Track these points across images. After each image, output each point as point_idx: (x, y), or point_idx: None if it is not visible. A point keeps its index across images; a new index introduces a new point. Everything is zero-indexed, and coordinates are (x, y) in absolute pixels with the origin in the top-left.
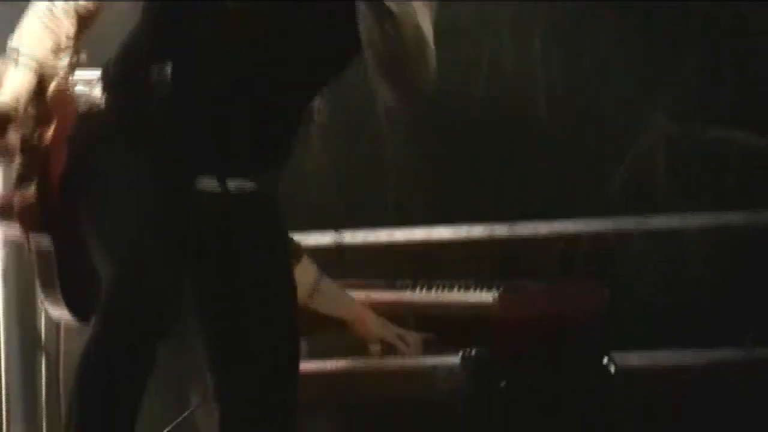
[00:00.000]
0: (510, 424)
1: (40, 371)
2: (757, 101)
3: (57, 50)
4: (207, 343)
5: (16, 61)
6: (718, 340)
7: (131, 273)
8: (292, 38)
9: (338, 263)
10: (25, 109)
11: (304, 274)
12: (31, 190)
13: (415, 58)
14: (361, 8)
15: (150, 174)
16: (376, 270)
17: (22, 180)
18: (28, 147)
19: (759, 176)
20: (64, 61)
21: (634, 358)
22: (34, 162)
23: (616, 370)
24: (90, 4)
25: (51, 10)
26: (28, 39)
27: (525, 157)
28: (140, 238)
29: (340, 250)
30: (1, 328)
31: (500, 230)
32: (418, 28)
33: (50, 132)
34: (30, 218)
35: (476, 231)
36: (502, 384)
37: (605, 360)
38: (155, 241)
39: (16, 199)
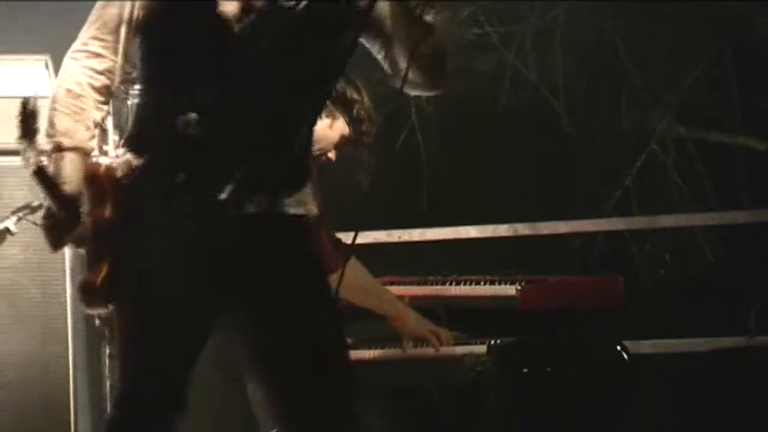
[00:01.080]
0: (531, 408)
1: (105, 363)
2: (759, 108)
3: (89, 132)
4: (269, 393)
5: (62, 150)
6: (723, 328)
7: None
8: (299, 63)
9: (378, 260)
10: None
11: (352, 273)
12: (104, 269)
13: (448, 51)
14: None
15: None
16: (411, 266)
17: (94, 262)
18: (94, 229)
19: (760, 177)
20: (95, 140)
21: (647, 346)
22: (101, 242)
23: (629, 357)
24: (106, 80)
25: (78, 97)
26: (66, 126)
27: (546, 163)
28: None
29: (380, 248)
30: (70, 324)
31: (523, 230)
32: (448, 25)
33: (107, 209)
34: (107, 295)
35: (501, 230)
36: (525, 371)
37: (619, 348)
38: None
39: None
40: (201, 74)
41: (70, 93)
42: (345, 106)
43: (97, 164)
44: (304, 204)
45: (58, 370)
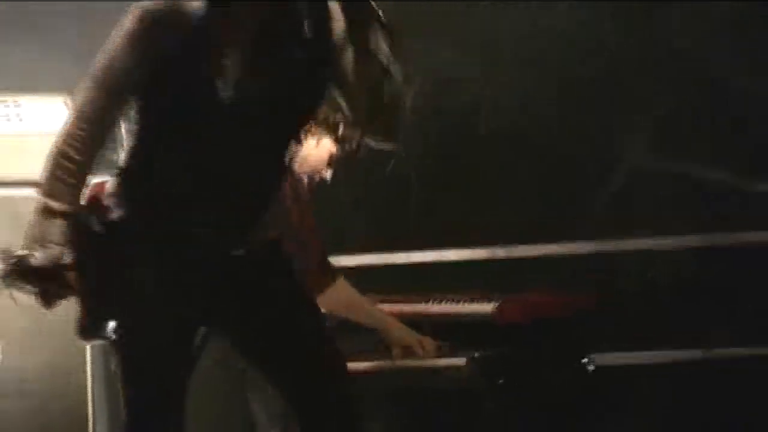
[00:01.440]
0: (507, 416)
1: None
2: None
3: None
4: (283, 393)
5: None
6: (683, 342)
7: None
8: (277, 125)
9: (364, 281)
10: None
11: (343, 291)
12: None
13: (397, 110)
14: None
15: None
16: (396, 286)
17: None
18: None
19: (714, 204)
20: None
21: (613, 358)
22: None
23: (596, 367)
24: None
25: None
26: (58, 191)
27: (520, 189)
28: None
29: (365, 270)
30: None
31: (499, 252)
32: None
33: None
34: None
35: (478, 253)
36: (500, 381)
37: (585, 360)
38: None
39: None
40: (190, 135)
41: (60, 153)
42: (329, 129)
43: (101, 185)
44: (271, 227)
45: (78, 381)
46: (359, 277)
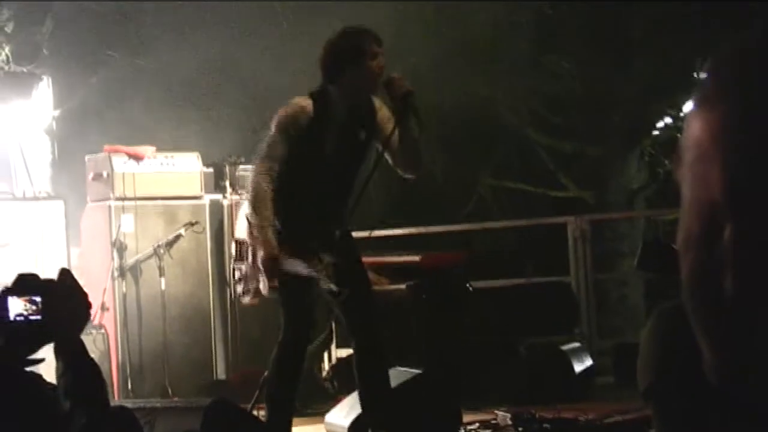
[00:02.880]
0: (425, 314)
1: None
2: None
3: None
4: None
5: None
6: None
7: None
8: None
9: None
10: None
11: None
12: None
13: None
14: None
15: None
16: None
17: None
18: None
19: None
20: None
21: (481, 284)
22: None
23: (473, 289)
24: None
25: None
26: (263, 208)
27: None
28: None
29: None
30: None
31: (420, 231)
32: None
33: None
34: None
35: (410, 231)
36: (424, 296)
37: (468, 285)
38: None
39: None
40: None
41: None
42: None
43: None
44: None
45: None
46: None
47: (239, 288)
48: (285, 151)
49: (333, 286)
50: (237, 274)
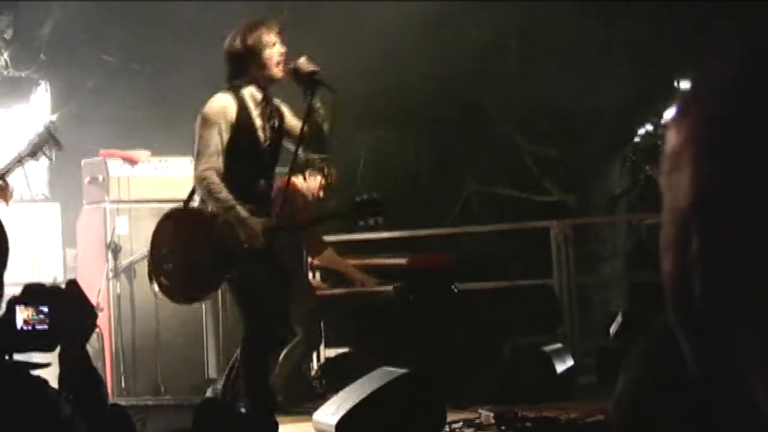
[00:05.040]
0: (414, 315)
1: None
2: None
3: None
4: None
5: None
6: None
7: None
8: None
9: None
10: None
11: (328, 255)
12: None
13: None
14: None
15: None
16: (356, 251)
17: None
18: None
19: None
20: None
21: (465, 285)
22: None
23: (459, 291)
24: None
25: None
26: (221, 192)
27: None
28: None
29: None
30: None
31: (407, 234)
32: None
33: None
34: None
35: (397, 234)
36: (410, 297)
37: (454, 286)
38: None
39: None
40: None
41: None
42: (318, 170)
43: None
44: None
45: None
46: (337, 247)
47: (174, 296)
48: (220, 142)
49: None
50: (162, 279)
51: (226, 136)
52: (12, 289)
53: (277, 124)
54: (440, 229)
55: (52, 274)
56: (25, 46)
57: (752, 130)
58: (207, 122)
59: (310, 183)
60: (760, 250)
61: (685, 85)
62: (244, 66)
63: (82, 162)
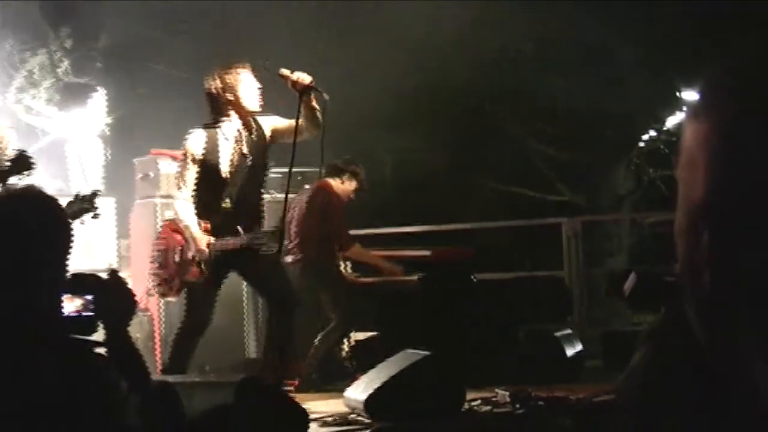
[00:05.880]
0: (436, 300)
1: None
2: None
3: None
4: None
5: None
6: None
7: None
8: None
9: (366, 242)
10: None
11: (357, 249)
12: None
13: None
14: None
15: None
16: (383, 244)
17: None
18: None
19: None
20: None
21: (482, 276)
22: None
23: (477, 281)
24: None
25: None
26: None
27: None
28: None
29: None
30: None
31: (431, 229)
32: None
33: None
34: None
35: (422, 229)
36: (433, 287)
37: (473, 276)
38: None
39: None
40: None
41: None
42: (354, 174)
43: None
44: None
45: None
46: (364, 240)
47: (161, 290)
48: (188, 173)
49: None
50: (157, 280)
51: (193, 168)
52: None
53: (254, 144)
54: (461, 225)
55: (106, 262)
56: (83, 55)
57: (760, 135)
58: (182, 156)
59: (346, 186)
60: (763, 247)
61: (686, 94)
62: (220, 104)
63: (135, 161)
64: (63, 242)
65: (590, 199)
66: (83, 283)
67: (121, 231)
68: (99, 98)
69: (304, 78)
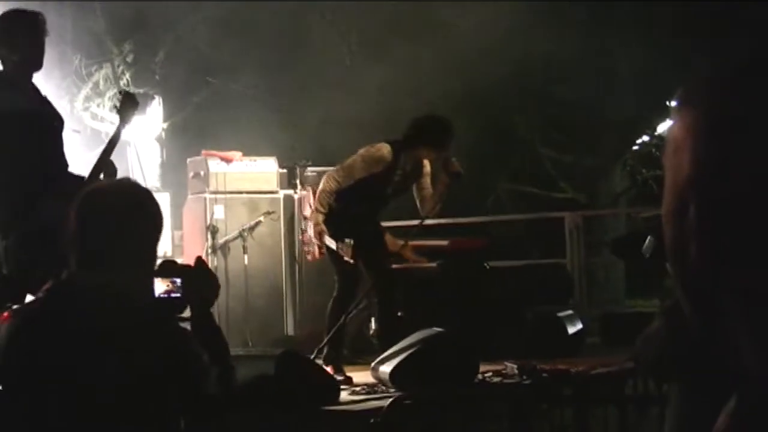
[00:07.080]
0: (452, 284)
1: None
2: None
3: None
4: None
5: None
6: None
7: None
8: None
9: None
10: None
11: (390, 239)
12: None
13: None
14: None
15: None
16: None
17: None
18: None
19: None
20: None
21: (495, 263)
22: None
23: (490, 267)
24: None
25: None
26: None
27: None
28: None
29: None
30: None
31: (449, 222)
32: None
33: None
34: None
35: (440, 221)
36: (451, 273)
37: (486, 264)
38: None
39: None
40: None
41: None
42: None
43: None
44: None
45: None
46: (393, 231)
47: (305, 249)
48: (359, 176)
49: (347, 258)
50: (306, 237)
51: (363, 174)
52: None
53: (404, 179)
54: (476, 218)
55: (162, 251)
56: (143, 67)
57: (743, 122)
58: (361, 158)
59: None
60: (746, 221)
61: (685, 85)
62: (419, 144)
63: (188, 160)
64: (159, 229)
65: (590, 196)
66: (171, 267)
67: (175, 223)
68: (156, 106)
69: (460, 169)
